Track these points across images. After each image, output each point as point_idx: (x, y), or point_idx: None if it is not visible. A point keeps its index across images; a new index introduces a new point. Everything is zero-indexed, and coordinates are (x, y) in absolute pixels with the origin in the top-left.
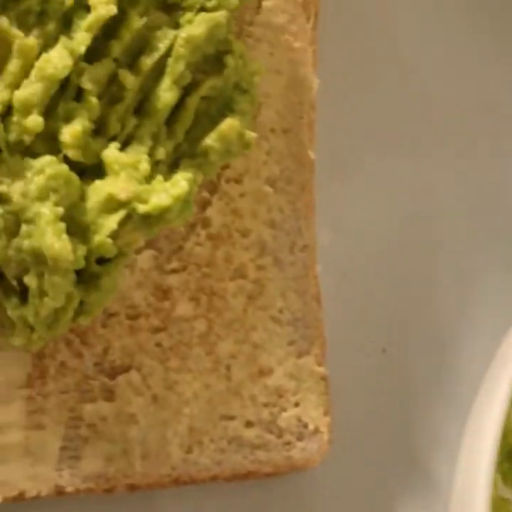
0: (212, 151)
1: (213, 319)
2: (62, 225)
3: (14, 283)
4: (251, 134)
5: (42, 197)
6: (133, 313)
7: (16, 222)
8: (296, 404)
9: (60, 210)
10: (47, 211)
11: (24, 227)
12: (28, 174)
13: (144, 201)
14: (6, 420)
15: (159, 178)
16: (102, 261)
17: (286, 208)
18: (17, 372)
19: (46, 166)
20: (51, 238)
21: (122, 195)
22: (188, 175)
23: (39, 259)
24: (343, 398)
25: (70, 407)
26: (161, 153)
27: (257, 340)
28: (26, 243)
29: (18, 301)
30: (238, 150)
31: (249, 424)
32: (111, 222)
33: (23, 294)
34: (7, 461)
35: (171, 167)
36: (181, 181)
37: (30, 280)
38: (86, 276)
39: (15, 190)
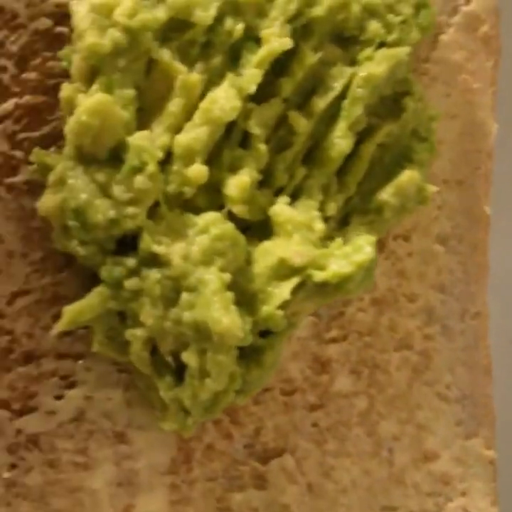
0: (387, 206)
1: (375, 396)
2: (230, 295)
3: (169, 359)
4: (431, 188)
5: (206, 261)
6: (288, 388)
7: (176, 289)
8: (463, 494)
9: (227, 276)
10: (213, 278)
11: (185, 296)
12: (190, 233)
13: (321, 268)
14: (148, 511)
15: (338, 240)
16: (265, 333)
17: (457, 269)
18: (161, 457)
19: (211, 225)
20: (218, 311)
21: (297, 261)
22: (372, 238)
23: (202, 334)
24: (507, 483)
25: (217, 497)
26: (331, 208)
27: (421, 420)
28: (187, 315)
29: (172, 380)
30: (414, 206)
31: None
32: (283, 291)
33: (179, 372)
34: None
35: (340, 224)
36: (365, 246)
37: (189, 357)
38: (248, 351)
39: (175, 251)
